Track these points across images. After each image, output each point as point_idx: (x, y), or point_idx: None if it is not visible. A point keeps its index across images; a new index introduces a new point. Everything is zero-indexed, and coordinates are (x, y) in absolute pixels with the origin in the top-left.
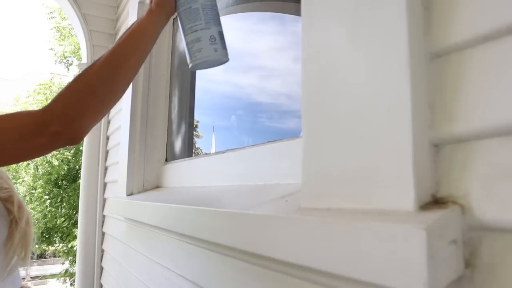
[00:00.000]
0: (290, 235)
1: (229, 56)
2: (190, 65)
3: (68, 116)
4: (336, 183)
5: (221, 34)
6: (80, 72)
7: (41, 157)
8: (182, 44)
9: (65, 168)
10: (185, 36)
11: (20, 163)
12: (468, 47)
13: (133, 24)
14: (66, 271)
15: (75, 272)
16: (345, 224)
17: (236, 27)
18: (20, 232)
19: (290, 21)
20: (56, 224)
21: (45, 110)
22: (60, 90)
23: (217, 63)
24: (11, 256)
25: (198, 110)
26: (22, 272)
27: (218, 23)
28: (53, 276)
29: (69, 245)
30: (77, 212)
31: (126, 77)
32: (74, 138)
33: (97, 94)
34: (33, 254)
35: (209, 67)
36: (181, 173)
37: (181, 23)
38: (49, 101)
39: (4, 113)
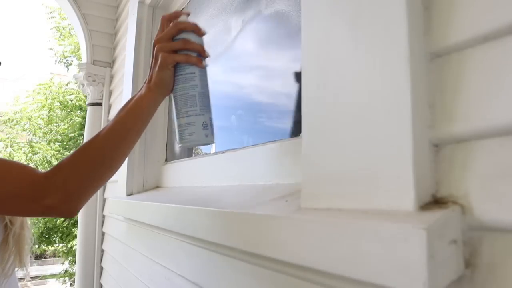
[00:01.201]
0: (290, 235)
1: (230, 57)
2: (179, 144)
3: (67, 193)
4: (336, 183)
5: (211, 120)
6: (84, 144)
7: (41, 157)
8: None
9: None
10: (178, 118)
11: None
12: (468, 47)
13: (132, 99)
14: (66, 271)
15: (74, 272)
16: (345, 224)
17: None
18: (14, 237)
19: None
20: (56, 224)
21: (47, 177)
22: (64, 158)
23: (202, 144)
24: (6, 260)
25: None
26: (21, 272)
27: (210, 110)
28: (53, 276)
29: (69, 245)
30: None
31: (125, 153)
32: (67, 214)
33: (98, 171)
34: (31, 255)
35: (195, 146)
36: (181, 173)
37: (175, 105)
38: (53, 166)
39: (5, 161)
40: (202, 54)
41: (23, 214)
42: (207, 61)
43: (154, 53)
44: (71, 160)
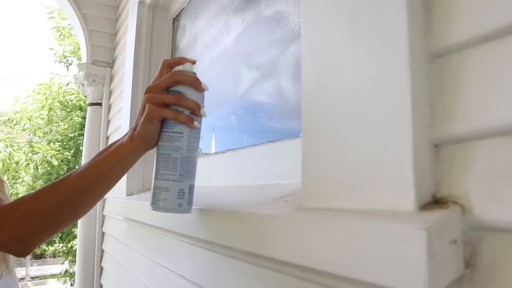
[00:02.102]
0: (290, 235)
1: (230, 57)
2: (150, 207)
3: (19, 233)
4: (336, 183)
5: (191, 188)
6: (51, 183)
7: (40, 157)
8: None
9: (65, 168)
10: (156, 178)
11: (20, 163)
12: (468, 47)
13: (113, 144)
14: (66, 271)
15: (75, 272)
16: (345, 224)
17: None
18: None
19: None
20: None
21: (3, 211)
22: (29, 193)
23: (177, 211)
24: None
25: None
26: (22, 272)
27: (192, 177)
28: (53, 276)
29: (69, 245)
30: None
31: (91, 202)
32: (17, 253)
33: (56, 216)
34: (30, 255)
35: (167, 212)
36: None
37: (156, 163)
38: (17, 197)
39: None
40: (196, 113)
41: None
42: (202, 120)
43: (143, 103)
44: (32, 199)
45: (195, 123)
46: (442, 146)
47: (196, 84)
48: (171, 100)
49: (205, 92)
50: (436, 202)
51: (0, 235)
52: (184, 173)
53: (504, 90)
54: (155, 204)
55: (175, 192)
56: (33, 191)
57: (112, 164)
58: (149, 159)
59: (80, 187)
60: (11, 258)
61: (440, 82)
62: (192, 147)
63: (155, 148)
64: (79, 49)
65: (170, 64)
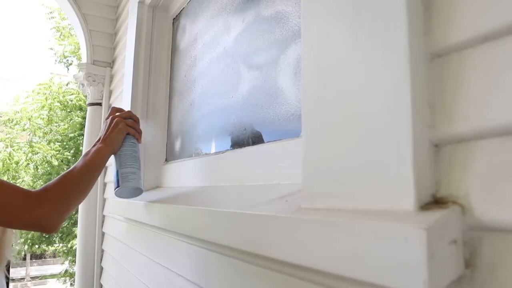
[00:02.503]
0: (290, 235)
1: (230, 56)
2: (120, 186)
3: (58, 206)
4: (336, 183)
5: (141, 177)
6: (63, 174)
7: (40, 157)
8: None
9: (65, 168)
10: (122, 167)
11: (20, 163)
12: (468, 47)
13: (89, 150)
14: (66, 271)
15: (74, 272)
16: (345, 224)
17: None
18: None
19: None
20: None
21: (39, 192)
22: (48, 183)
23: (135, 193)
24: None
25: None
26: (22, 272)
27: (142, 170)
28: (53, 276)
29: (69, 245)
30: (76, 212)
31: (89, 187)
32: (55, 226)
33: (76, 194)
34: (27, 255)
35: (125, 196)
36: (181, 173)
37: (120, 159)
38: (44, 185)
39: (6, 183)
40: (140, 136)
41: (16, 224)
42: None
43: (113, 123)
44: (57, 183)
45: (140, 140)
46: (442, 146)
47: (138, 121)
48: (132, 124)
49: (206, 91)
50: (436, 202)
51: (44, 208)
52: (140, 165)
53: (504, 90)
54: (127, 183)
55: (139, 175)
56: (50, 181)
57: (97, 161)
58: (150, 158)
59: (83, 175)
60: (4, 256)
61: (440, 82)
62: (139, 152)
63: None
64: (79, 49)
65: (116, 110)
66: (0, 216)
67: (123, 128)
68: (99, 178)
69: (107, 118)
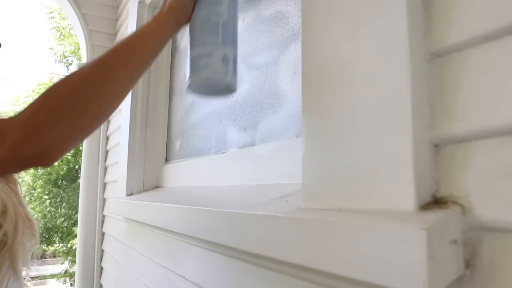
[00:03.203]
0: (290, 235)
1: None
2: (188, 83)
3: (34, 126)
4: (336, 183)
5: (235, 60)
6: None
7: None
8: (185, 58)
9: (65, 168)
10: (192, 48)
11: None
12: (468, 47)
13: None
14: (66, 271)
15: (74, 272)
16: (345, 224)
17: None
18: (5, 247)
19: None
20: (56, 224)
21: (12, 118)
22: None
23: (219, 91)
24: None
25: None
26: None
27: (236, 47)
28: (53, 276)
29: (69, 245)
30: (76, 212)
31: (116, 89)
32: (41, 154)
33: (75, 104)
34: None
35: (207, 95)
36: (181, 173)
37: (191, 35)
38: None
39: None
40: None
41: None
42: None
43: None
44: (45, 92)
45: None
46: (442, 146)
47: None
48: None
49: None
50: (436, 202)
51: (12, 136)
52: (227, 39)
53: (504, 90)
54: (197, 73)
55: (219, 57)
56: None
57: (138, 45)
58: (150, 158)
59: (103, 69)
60: (20, 263)
61: (440, 82)
62: (232, 15)
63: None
64: (79, 49)
65: None
66: None
67: None
68: (98, 177)
69: None
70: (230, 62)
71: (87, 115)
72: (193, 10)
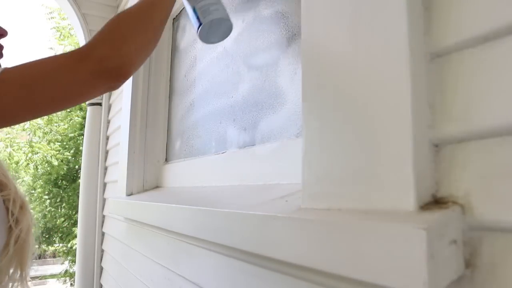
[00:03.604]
0: (290, 235)
1: (230, 56)
2: (203, 23)
3: (118, 40)
4: (336, 183)
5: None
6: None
7: (41, 157)
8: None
9: (65, 168)
10: (198, 1)
11: (20, 163)
12: (468, 47)
13: None
14: (66, 271)
15: (74, 272)
16: (345, 224)
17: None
18: (18, 242)
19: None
20: (56, 224)
21: (90, 41)
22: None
23: (224, 31)
24: (4, 272)
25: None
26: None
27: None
28: (53, 276)
29: (69, 245)
30: (76, 212)
31: (157, 23)
32: (122, 66)
33: (140, 26)
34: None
35: (214, 37)
36: (181, 173)
37: None
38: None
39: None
40: None
41: (74, 86)
42: None
43: None
44: (113, 20)
45: None
46: (442, 146)
47: None
48: None
49: (206, 91)
50: (436, 202)
51: (100, 49)
52: None
53: (504, 90)
54: (209, 15)
55: (221, 4)
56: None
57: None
58: (150, 158)
59: (140, 8)
60: (28, 265)
61: (440, 82)
62: None
63: None
64: None
65: None
66: (58, 94)
67: None
68: (98, 177)
69: None
70: (226, 8)
71: (148, 33)
72: None
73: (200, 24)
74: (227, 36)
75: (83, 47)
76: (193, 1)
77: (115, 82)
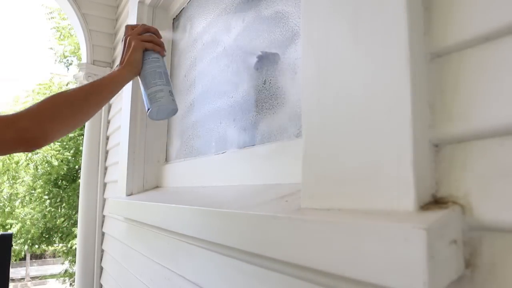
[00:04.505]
0: (290, 235)
1: (230, 57)
2: (151, 108)
3: (40, 117)
4: (336, 183)
5: (172, 92)
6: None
7: (40, 157)
8: (142, 94)
9: (65, 168)
10: (148, 88)
11: (20, 163)
12: (468, 47)
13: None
14: (66, 271)
15: (74, 272)
16: (345, 224)
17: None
18: None
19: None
20: (56, 224)
21: (21, 111)
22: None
23: (169, 112)
24: None
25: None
26: (22, 272)
27: (171, 85)
28: (52, 276)
29: (69, 245)
30: (76, 212)
31: (90, 108)
32: (39, 138)
33: (68, 110)
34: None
35: (162, 117)
36: (181, 173)
37: (144, 80)
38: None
39: None
40: (162, 48)
41: None
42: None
43: (127, 43)
44: (41, 101)
45: (164, 52)
46: (442, 146)
47: (157, 32)
48: (148, 38)
49: (206, 91)
50: (436, 202)
51: (23, 120)
52: (167, 81)
53: (504, 90)
54: (156, 102)
55: (167, 92)
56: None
57: (105, 83)
58: (150, 158)
59: (82, 94)
60: None
61: (440, 82)
62: (164, 67)
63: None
64: (79, 49)
65: (131, 27)
66: None
67: (138, 46)
68: (98, 177)
69: (122, 40)
70: (172, 94)
71: (74, 118)
72: (142, 65)
73: (148, 109)
74: (174, 114)
75: (14, 114)
76: (145, 86)
77: (29, 149)
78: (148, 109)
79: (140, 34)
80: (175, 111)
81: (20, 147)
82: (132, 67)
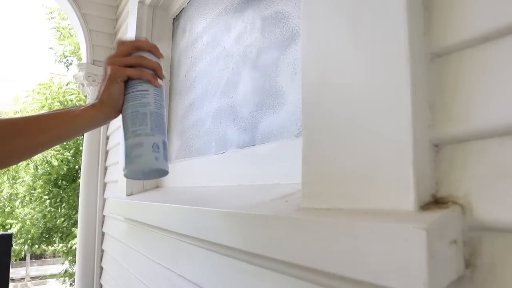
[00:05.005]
0: (290, 235)
1: (229, 57)
2: (124, 172)
3: None
4: (336, 183)
5: (165, 144)
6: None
7: (40, 157)
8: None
9: (65, 168)
10: (126, 139)
11: (20, 163)
12: (468, 47)
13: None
14: (66, 271)
15: (74, 272)
16: (345, 224)
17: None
18: None
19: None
20: (56, 224)
21: None
22: None
23: (154, 174)
24: None
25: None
26: (21, 272)
27: (164, 133)
28: (52, 276)
29: (69, 245)
30: (76, 212)
31: (24, 149)
32: None
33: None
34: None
35: (145, 179)
36: (181, 173)
37: (124, 126)
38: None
39: None
40: (158, 73)
41: None
42: (163, 82)
43: (104, 69)
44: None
45: (159, 80)
46: (442, 146)
47: (155, 49)
48: (134, 61)
49: (206, 91)
50: (436, 202)
51: None
52: (155, 127)
53: (504, 90)
54: (129, 166)
55: (149, 146)
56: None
57: (59, 120)
58: None
59: (14, 128)
60: None
61: (440, 82)
62: (159, 104)
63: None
64: (79, 49)
65: (124, 43)
66: None
67: (116, 74)
68: (98, 177)
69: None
70: (160, 148)
71: (26, 152)
72: (123, 103)
73: (123, 167)
74: (163, 176)
75: None
76: (124, 132)
77: None
78: (123, 169)
79: (127, 55)
80: (162, 172)
81: None
82: (104, 106)
